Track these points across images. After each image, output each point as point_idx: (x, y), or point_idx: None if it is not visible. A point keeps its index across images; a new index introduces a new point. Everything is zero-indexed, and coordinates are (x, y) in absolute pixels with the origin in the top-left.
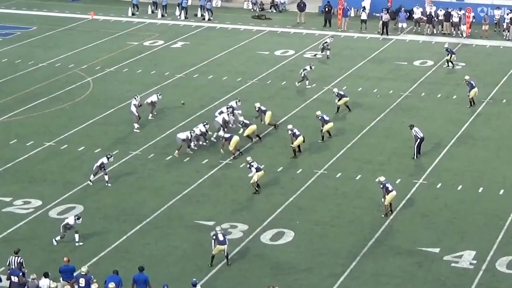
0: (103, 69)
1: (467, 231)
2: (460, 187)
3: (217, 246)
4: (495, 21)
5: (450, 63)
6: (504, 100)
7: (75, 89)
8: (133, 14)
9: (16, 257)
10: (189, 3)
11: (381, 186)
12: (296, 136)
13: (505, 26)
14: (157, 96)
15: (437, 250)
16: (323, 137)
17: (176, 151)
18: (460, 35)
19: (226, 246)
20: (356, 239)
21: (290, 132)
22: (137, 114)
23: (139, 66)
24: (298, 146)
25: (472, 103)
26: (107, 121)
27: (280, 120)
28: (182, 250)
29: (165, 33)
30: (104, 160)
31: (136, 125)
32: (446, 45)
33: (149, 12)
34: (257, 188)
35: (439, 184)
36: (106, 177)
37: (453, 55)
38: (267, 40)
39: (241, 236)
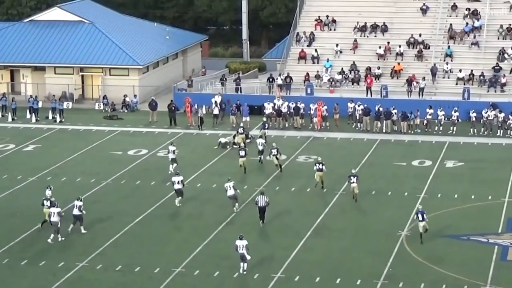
0: None
1: None
2: (318, 279)
3: None
4: (349, 113)
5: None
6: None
7: None
8: None
9: None
10: (40, 105)
11: None
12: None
13: (357, 118)
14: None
15: None
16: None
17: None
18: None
19: None
20: None
21: None
22: None
23: None
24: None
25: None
26: None
27: (136, 219)
28: None
29: (16, 136)
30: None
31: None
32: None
33: None
34: None
35: (297, 277)
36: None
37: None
38: (120, 140)
39: None
